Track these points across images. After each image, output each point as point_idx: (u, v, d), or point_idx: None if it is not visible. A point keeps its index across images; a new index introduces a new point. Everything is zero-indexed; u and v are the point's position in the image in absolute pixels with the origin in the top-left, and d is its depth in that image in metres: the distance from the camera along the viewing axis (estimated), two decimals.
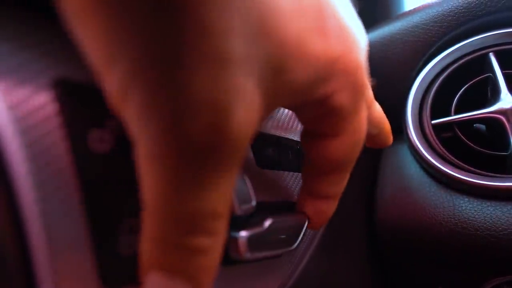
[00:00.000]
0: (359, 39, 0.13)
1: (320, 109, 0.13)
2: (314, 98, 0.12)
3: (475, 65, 0.32)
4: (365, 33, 0.14)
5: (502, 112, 0.29)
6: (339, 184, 0.17)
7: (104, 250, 0.12)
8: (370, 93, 0.17)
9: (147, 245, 0.10)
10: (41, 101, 0.11)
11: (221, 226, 0.11)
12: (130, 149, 0.13)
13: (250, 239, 0.17)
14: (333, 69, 0.11)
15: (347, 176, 0.17)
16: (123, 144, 0.13)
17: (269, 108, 0.11)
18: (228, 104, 0.09)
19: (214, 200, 0.10)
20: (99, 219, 0.12)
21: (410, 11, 0.35)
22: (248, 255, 0.17)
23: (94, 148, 0.12)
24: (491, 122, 0.30)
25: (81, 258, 0.12)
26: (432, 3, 0.34)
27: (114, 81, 0.09)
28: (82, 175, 0.12)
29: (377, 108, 0.18)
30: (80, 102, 0.12)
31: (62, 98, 0.12)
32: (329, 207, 0.18)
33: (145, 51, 0.08)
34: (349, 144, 0.14)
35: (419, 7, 0.34)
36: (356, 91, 0.13)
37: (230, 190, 0.10)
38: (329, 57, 0.11)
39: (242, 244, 0.16)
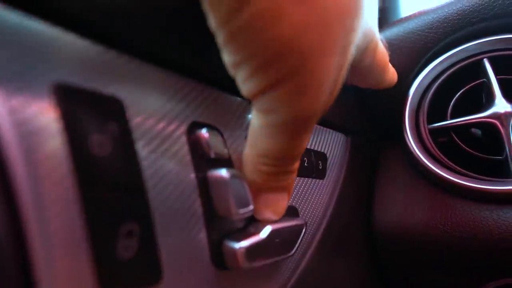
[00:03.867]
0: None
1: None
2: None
3: (470, 70, 0.33)
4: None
5: (497, 116, 0.30)
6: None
7: (103, 253, 0.12)
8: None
9: (266, 177, 0.18)
10: (42, 106, 0.12)
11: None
12: (128, 153, 0.14)
13: (248, 250, 0.17)
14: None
15: None
16: (121, 149, 0.13)
17: None
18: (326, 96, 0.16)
19: (304, 144, 0.17)
20: (98, 223, 0.12)
21: (406, 17, 0.36)
22: (246, 265, 0.17)
23: (94, 152, 0.12)
24: (486, 127, 0.31)
25: (80, 262, 0.12)
26: (427, 10, 0.34)
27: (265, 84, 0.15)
28: (82, 179, 0.12)
29: (381, 48, 0.23)
30: (80, 107, 0.13)
31: (63, 103, 0.12)
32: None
33: (301, 80, 0.15)
34: None
35: (415, 13, 0.35)
36: None
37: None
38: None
39: (240, 255, 0.17)
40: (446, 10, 0.32)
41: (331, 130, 0.31)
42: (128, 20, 0.14)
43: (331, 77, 0.15)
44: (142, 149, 0.14)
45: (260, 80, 0.15)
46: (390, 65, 0.26)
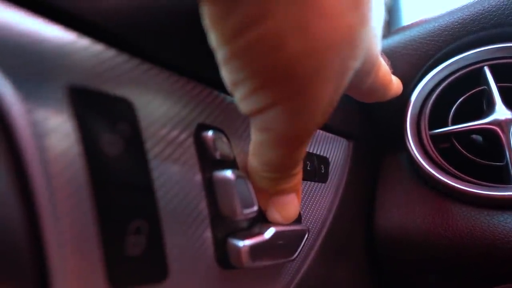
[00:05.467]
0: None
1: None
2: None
3: (471, 78, 0.33)
4: None
5: (497, 123, 0.30)
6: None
7: (113, 249, 0.13)
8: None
9: (272, 183, 0.19)
10: (57, 107, 0.12)
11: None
12: (137, 153, 0.14)
13: (252, 248, 0.17)
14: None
15: None
16: (131, 148, 0.14)
17: None
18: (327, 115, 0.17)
19: (303, 153, 0.18)
20: (109, 219, 0.13)
21: (408, 26, 0.36)
22: (249, 264, 0.17)
23: (105, 152, 0.13)
24: (487, 133, 0.31)
25: (90, 257, 0.12)
26: (429, 18, 0.35)
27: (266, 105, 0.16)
28: (94, 177, 0.12)
29: (383, 68, 0.24)
30: (93, 108, 0.13)
31: (76, 104, 0.13)
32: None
33: (297, 103, 0.15)
34: None
35: (417, 22, 0.36)
36: None
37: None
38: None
39: (244, 253, 0.17)
40: (447, 19, 0.33)
41: (334, 135, 0.31)
42: (139, 25, 0.15)
43: (327, 101, 0.16)
44: (151, 149, 0.15)
45: (258, 100, 0.15)
46: (393, 78, 0.27)
